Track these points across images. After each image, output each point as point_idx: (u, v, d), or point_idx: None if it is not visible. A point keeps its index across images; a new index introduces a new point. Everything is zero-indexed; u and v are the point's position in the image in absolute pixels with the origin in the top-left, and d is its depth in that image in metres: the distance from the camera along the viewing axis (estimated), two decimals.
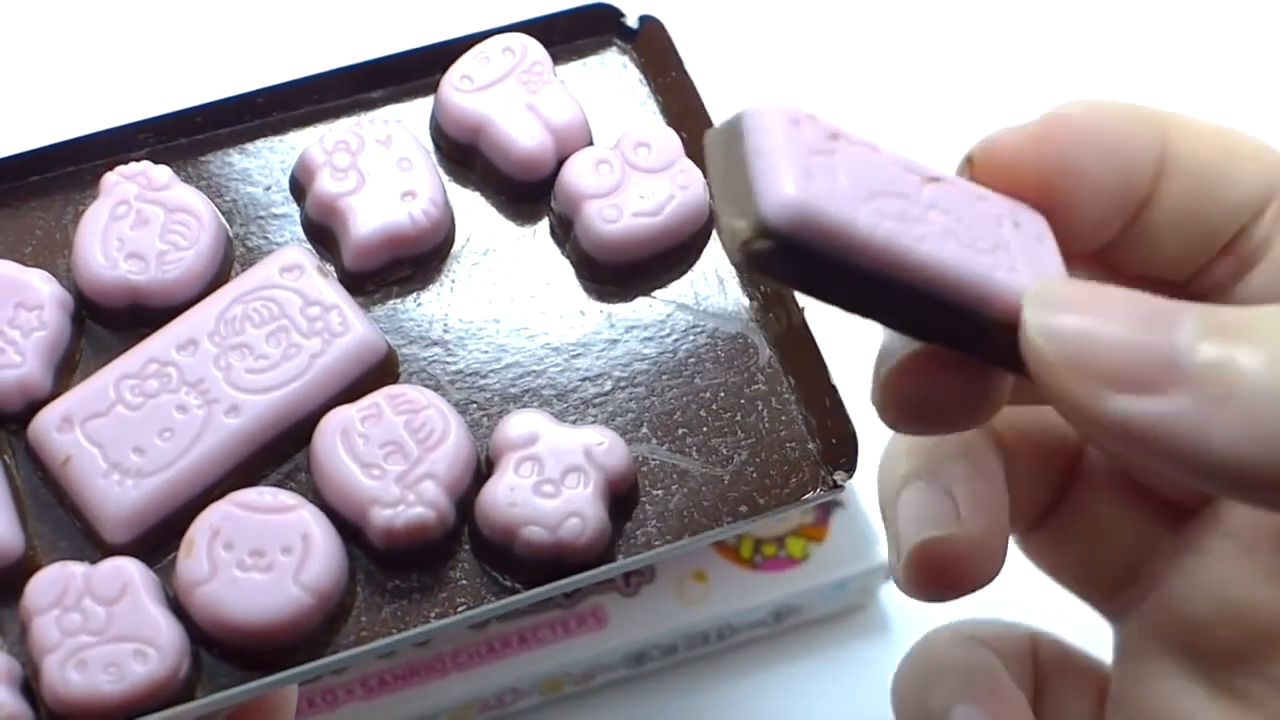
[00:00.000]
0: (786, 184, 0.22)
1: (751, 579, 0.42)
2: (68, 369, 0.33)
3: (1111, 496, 0.31)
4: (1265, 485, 0.22)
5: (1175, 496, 0.31)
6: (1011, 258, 0.25)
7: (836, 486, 0.33)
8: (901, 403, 0.26)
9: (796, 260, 0.23)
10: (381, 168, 0.34)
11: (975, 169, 0.27)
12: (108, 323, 0.33)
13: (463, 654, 0.42)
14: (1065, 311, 0.24)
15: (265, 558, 0.30)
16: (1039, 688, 0.32)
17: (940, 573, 0.28)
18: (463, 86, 0.35)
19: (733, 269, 0.35)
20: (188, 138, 0.35)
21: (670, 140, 0.35)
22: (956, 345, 0.25)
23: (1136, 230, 0.28)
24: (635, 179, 0.34)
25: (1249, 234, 0.28)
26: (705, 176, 0.24)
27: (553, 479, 0.31)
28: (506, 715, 0.43)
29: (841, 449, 0.33)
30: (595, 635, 0.42)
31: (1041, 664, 0.33)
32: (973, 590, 0.28)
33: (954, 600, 0.28)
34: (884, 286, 0.24)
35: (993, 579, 0.28)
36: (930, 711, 0.29)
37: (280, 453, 0.32)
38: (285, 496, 0.31)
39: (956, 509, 0.28)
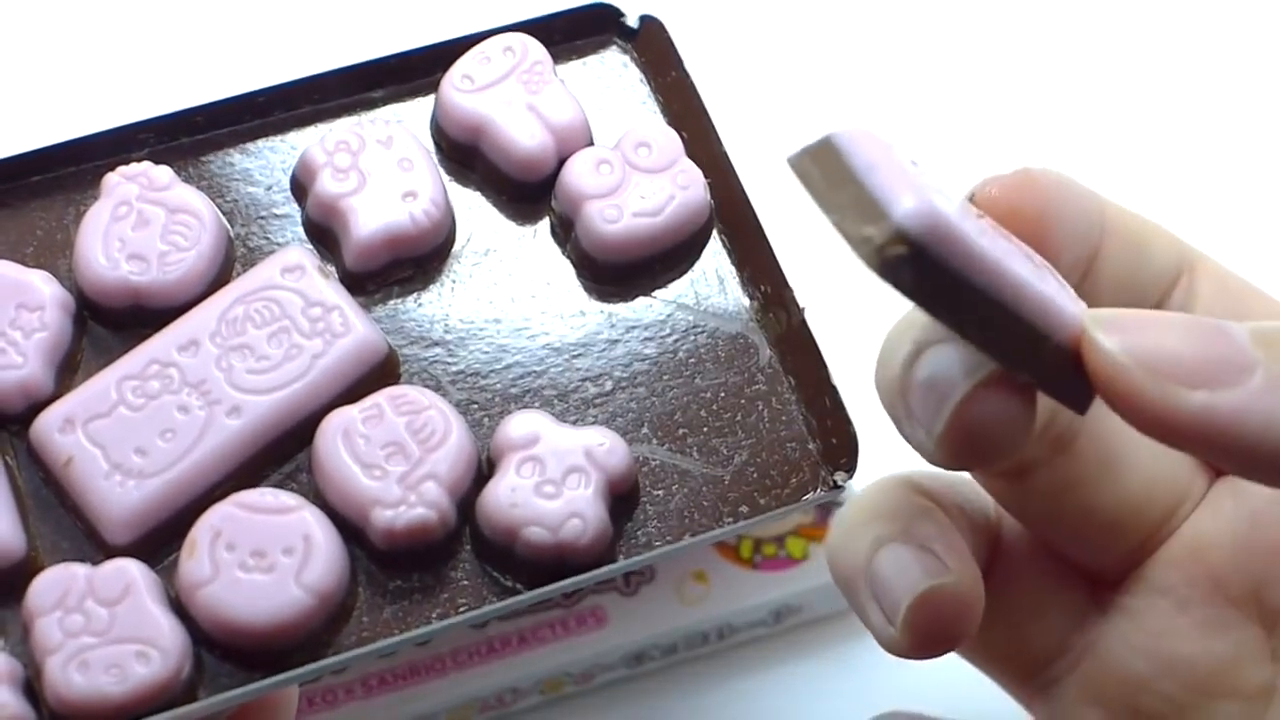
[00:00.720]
0: (910, 194, 0.23)
1: (751, 579, 0.42)
2: (69, 369, 0.33)
3: (1033, 571, 0.31)
4: None
5: (1094, 565, 0.31)
6: (1055, 286, 0.26)
7: (837, 487, 0.33)
8: (967, 435, 0.26)
9: (924, 268, 0.23)
10: (382, 168, 0.34)
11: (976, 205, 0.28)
12: (109, 323, 0.33)
13: (463, 654, 0.42)
14: (1130, 325, 0.25)
15: (267, 559, 0.30)
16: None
17: (943, 623, 0.28)
18: (463, 86, 0.35)
19: (734, 269, 0.35)
20: (189, 138, 0.35)
21: (671, 140, 0.35)
22: (1026, 368, 0.25)
23: (1085, 287, 0.29)
24: (636, 179, 0.34)
25: (1169, 302, 0.30)
26: (810, 197, 0.24)
27: (554, 479, 0.31)
28: (506, 715, 0.43)
29: (842, 449, 0.33)
30: (595, 635, 0.42)
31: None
32: (964, 640, 0.28)
33: (944, 654, 0.28)
34: (984, 301, 0.24)
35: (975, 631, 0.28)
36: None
37: (281, 453, 0.32)
38: (287, 497, 0.31)
39: (943, 562, 0.28)
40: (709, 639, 0.43)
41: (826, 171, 0.24)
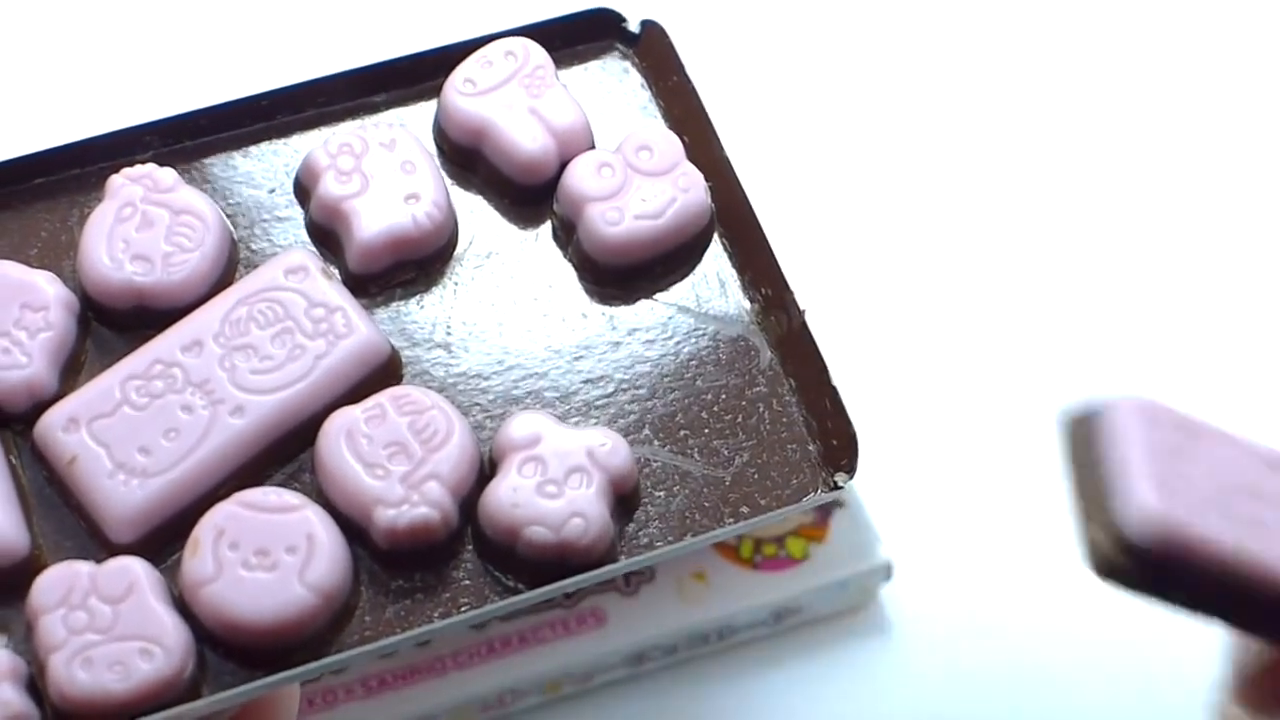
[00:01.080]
0: (1148, 499, 0.22)
1: (751, 579, 0.42)
2: (72, 370, 0.33)
3: None
4: None
5: None
6: None
7: (837, 488, 0.33)
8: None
9: (1152, 570, 0.22)
10: (385, 171, 0.34)
11: None
12: (112, 324, 0.33)
13: (463, 654, 0.42)
14: None
15: (270, 557, 0.30)
16: None
17: None
18: (466, 90, 0.35)
19: (734, 271, 0.35)
20: (192, 140, 0.36)
21: (672, 144, 0.35)
22: None
23: None
24: (637, 182, 0.35)
25: None
26: (1065, 469, 0.23)
27: (556, 479, 0.31)
28: (506, 715, 0.43)
29: (843, 451, 0.33)
30: (595, 635, 0.42)
31: None
32: None
33: None
34: (1231, 592, 0.23)
35: None
36: None
37: (284, 453, 0.32)
38: (290, 496, 0.31)
39: None
40: (709, 639, 0.43)
41: (1083, 449, 0.23)
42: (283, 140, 0.36)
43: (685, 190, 0.35)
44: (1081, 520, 0.23)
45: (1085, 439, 0.23)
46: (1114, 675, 0.43)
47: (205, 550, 0.30)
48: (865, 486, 0.43)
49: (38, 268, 0.33)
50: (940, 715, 0.41)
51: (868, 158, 0.50)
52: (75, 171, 0.35)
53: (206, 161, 0.36)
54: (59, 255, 0.34)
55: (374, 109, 0.37)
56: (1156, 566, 0.22)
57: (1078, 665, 0.42)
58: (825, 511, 0.43)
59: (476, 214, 0.36)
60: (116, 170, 0.34)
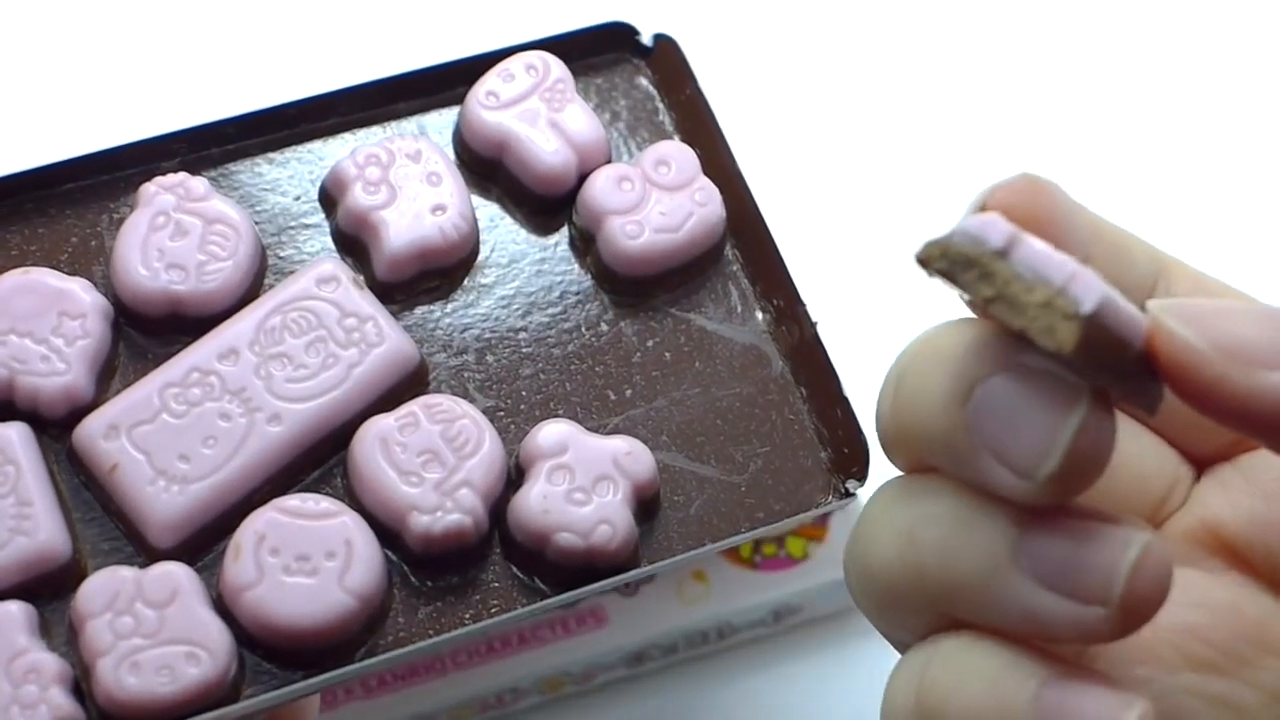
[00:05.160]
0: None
1: (751, 579, 0.43)
2: (106, 374, 0.33)
3: None
4: None
5: None
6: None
7: (849, 495, 0.34)
8: (1082, 463, 0.25)
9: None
10: (412, 182, 0.35)
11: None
12: (145, 330, 0.34)
13: (463, 654, 0.42)
14: (1202, 314, 0.25)
15: (310, 562, 0.31)
16: None
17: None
18: (488, 103, 0.36)
19: (748, 283, 0.36)
20: (219, 147, 0.36)
21: (689, 158, 0.36)
22: (1110, 379, 0.25)
23: None
24: (656, 196, 0.36)
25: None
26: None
27: (584, 487, 0.32)
28: (506, 715, 0.43)
29: (854, 458, 0.34)
30: (595, 635, 0.42)
31: None
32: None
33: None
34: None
35: None
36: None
37: (317, 458, 0.33)
38: (328, 503, 0.32)
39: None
40: (709, 639, 0.43)
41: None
42: (307, 149, 0.37)
43: (703, 205, 0.36)
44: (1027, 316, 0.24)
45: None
46: None
47: (247, 555, 0.31)
48: (865, 486, 0.43)
49: (69, 273, 0.34)
50: None
51: (879, 170, 0.50)
52: (105, 177, 0.36)
53: (233, 168, 0.36)
54: (90, 260, 0.35)
55: (395, 117, 0.37)
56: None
57: None
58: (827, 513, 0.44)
59: (496, 223, 0.36)
60: (146, 177, 0.35)
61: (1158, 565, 0.25)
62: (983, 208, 0.28)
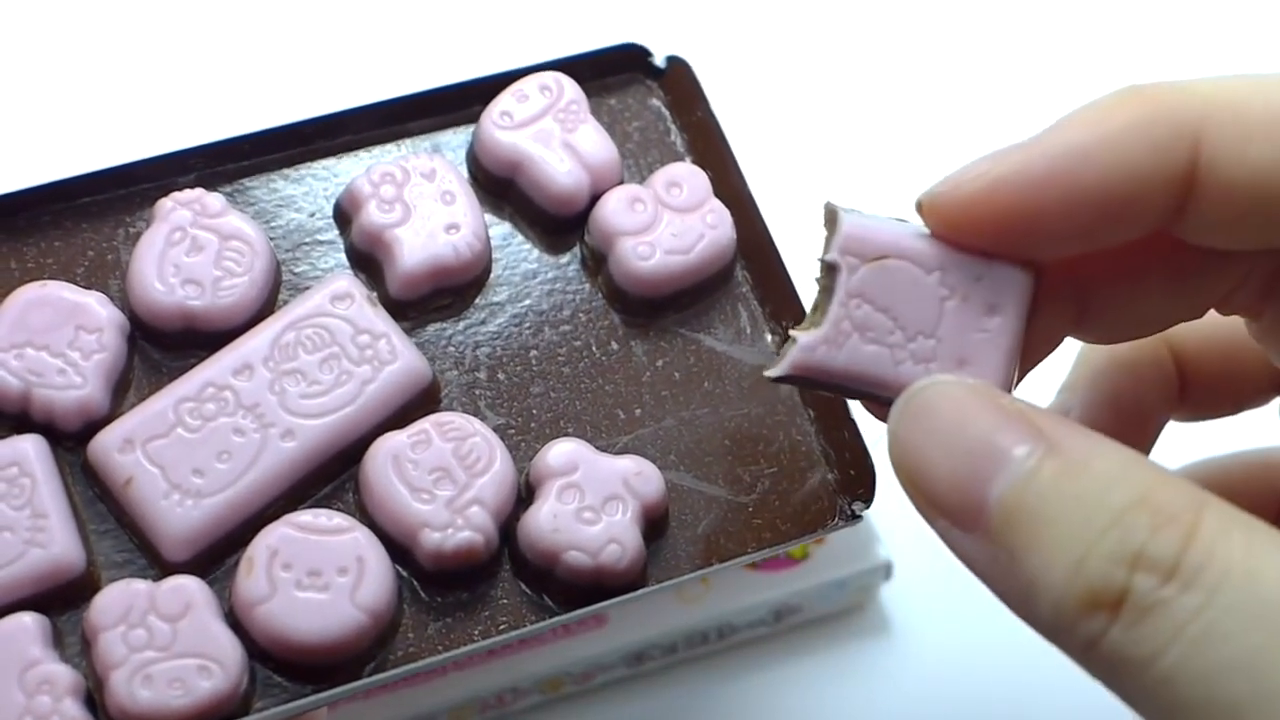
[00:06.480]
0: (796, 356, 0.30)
1: (751, 579, 0.43)
2: (121, 388, 0.34)
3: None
4: (1060, 641, 0.25)
5: None
6: (933, 343, 0.29)
7: (855, 517, 0.34)
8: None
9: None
10: (426, 200, 0.35)
11: (924, 215, 0.30)
12: (160, 344, 0.34)
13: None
14: (917, 424, 0.27)
15: (322, 578, 0.31)
16: None
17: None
18: (502, 123, 0.37)
19: (756, 303, 0.37)
20: (235, 163, 0.36)
21: (701, 181, 0.37)
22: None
23: (1193, 200, 0.28)
24: (668, 217, 0.36)
25: None
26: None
27: (593, 506, 0.33)
28: (506, 715, 0.44)
29: (860, 480, 0.35)
30: (595, 635, 0.43)
31: None
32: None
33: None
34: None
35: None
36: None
37: (328, 473, 0.33)
38: (340, 519, 0.32)
39: None
40: (709, 639, 0.43)
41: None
42: (322, 166, 0.37)
43: (714, 227, 0.36)
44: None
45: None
46: None
47: (259, 570, 0.31)
48: (871, 508, 0.44)
49: (86, 287, 0.34)
50: (940, 715, 0.42)
51: (889, 194, 0.51)
52: (122, 192, 0.36)
53: (249, 184, 0.36)
54: (105, 274, 0.35)
55: (410, 135, 0.38)
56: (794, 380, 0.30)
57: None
58: None
59: (507, 242, 0.37)
60: (163, 192, 0.35)
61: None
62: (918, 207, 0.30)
